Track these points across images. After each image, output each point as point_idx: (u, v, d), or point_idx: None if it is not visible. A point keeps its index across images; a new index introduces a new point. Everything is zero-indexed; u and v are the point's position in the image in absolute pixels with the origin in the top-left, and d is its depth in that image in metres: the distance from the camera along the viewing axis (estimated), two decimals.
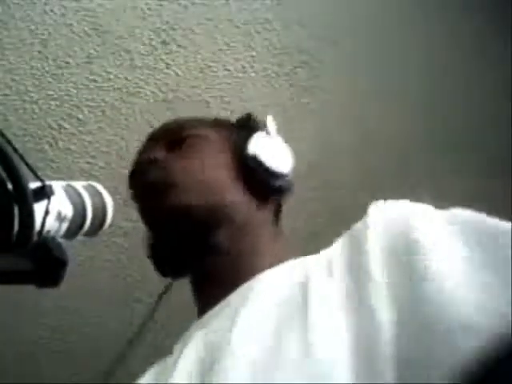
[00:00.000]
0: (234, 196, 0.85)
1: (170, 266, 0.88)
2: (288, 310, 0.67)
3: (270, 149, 0.87)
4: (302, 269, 0.74)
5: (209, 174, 0.86)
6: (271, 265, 0.81)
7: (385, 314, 0.58)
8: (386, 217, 0.68)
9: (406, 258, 0.61)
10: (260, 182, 0.86)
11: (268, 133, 0.90)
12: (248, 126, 0.93)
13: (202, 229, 0.83)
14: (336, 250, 0.72)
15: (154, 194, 0.85)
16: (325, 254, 0.75)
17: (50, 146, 1.66)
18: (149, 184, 0.87)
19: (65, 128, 1.65)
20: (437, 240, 0.61)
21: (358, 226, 0.71)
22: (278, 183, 0.87)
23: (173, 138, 0.90)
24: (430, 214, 0.66)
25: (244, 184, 0.86)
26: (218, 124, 0.95)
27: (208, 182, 0.85)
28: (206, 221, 0.83)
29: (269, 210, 0.89)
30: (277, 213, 0.91)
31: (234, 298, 0.78)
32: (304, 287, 0.69)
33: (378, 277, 0.61)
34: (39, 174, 0.60)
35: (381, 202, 0.72)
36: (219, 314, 0.77)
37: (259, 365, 0.62)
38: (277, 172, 0.86)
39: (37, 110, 1.60)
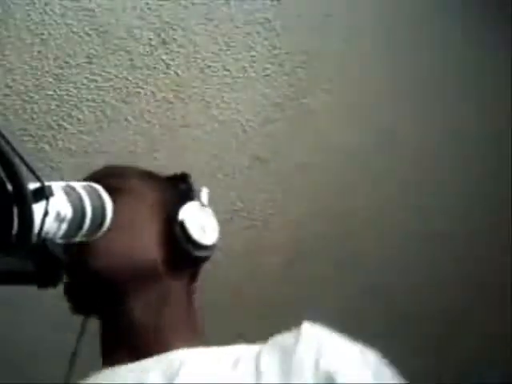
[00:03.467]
0: (155, 261, 0.86)
1: (82, 308, 0.89)
2: None
3: (200, 221, 0.88)
4: (230, 366, 0.76)
5: (134, 235, 0.86)
6: (186, 341, 0.83)
7: None
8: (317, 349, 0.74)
9: None
10: (183, 252, 0.86)
11: (202, 204, 0.91)
12: (182, 190, 0.93)
13: (116, 290, 0.84)
14: (266, 363, 0.75)
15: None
16: (253, 357, 0.77)
17: (50, 146, 1.66)
18: None
19: (65, 128, 1.65)
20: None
21: (290, 341, 0.76)
22: (200, 254, 0.88)
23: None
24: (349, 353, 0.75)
25: (167, 250, 0.86)
26: (150, 177, 0.95)
27: (132, 245, 0.85)
28: (122, 283, 0.84)
29: (184, 281, 0.90)
30: (191, 284, 0.92)
31: (152, 368, 0.79)
32: None
33: None
34: (39, 174, 0.59)
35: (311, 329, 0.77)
36: None
37: None
38: (201, 244, 0.87)
39: (37, 110, 1.60)
